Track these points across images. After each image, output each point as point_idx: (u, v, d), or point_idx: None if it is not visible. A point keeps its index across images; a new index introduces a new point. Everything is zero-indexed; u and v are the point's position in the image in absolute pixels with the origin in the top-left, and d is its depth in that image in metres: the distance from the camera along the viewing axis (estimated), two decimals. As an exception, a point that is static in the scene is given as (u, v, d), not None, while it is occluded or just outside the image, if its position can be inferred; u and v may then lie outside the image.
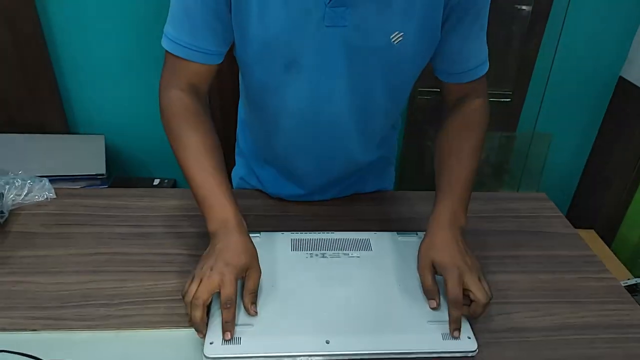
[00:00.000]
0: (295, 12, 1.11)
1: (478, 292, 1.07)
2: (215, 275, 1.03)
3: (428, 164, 2.94)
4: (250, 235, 1.14)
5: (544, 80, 2.79)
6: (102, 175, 2.57)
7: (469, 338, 1.05)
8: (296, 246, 1.28)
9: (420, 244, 1.20)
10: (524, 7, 2.61)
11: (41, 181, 1.44)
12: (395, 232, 1.35)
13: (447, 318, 1.08)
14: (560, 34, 2.65)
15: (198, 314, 1.01)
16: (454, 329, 1.06)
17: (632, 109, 2.78)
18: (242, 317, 1.06)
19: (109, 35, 2.59)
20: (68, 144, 2.71)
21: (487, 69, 1.31)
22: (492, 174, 3.13)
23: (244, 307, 1.07)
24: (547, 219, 1.51)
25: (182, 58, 1.18)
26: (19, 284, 1.17)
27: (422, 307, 1.12)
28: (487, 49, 1.29)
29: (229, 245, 1.09)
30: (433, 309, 1.11)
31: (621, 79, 2.85)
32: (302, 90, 1.23)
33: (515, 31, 2.69)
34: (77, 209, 1.41)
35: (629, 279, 2.54)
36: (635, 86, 2.74)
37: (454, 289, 1.07)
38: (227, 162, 1.25)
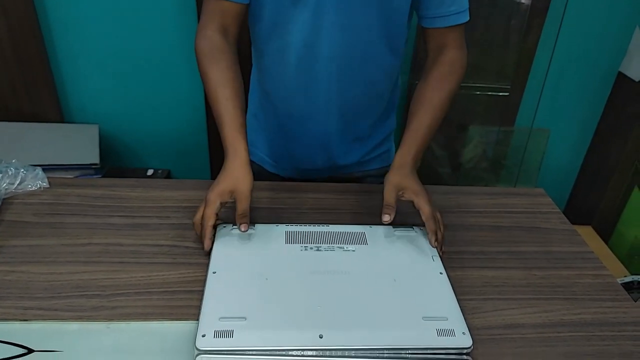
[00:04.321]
0: None
1: (428, 210, 1.27)
2: (207, 195, 1.24)
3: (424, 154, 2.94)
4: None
5: (543, 75, 2.78)
6: (96, 165, 2.56)
7: (464, 334, 1.04)
8: (291, 239, 1.28)
9: (388, 173, 1.34)
10: (522, 1, 2.60)
11: (34, 170, 1.43)
12: (391, 226, 1.33)
13: (442, 315, 1.08)
14: (559, 28, 2.64)
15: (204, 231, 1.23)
16: (435, 240, 1.27)
17: (630, 105, 2.78)
18: (234, 310, 1.05)
19: (104, 25, 2.58)
20: (62, 133, 2.69)
21: (467, 19, 1.40)
22: (489, 169, 3.13)
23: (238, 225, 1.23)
24: (544, 214, 1.51)
25: None
26: (11, 273, 1.16)
27: (417, 302, 1.11)
28: (467, 2, 1.40)
29: (224, 170, 1.27)
30: (386, 222, 1.26)
31: (620, 74, 2.85)
32: (306, 23, 1.33)
33: (514, 25, 2.68)
34: (71, 198, 1.40)
35: (625, 276, 2.54)
36: (634, 82, 2.74)
37: (428, 206, 1.27)
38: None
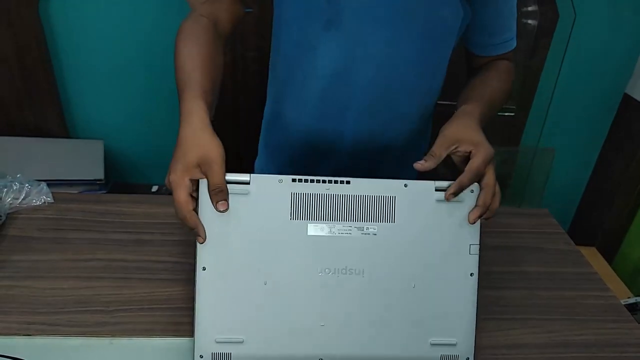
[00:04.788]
0: None
1: (492, 179, 1.05)
2: (170, 177, 0.95)
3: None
4: (238, 185, 0.98)
5: (549, 95, 2.78)
6: (101, 180, 2.56)
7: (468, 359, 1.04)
8: (297, 208, 0.99)
9: (444, 124, 1.10)
10: (529, 22, 2.60)
11: (39, 185, 1.44)
12: (433, 183, 1.02)
13: (453, 337, 1.03)
14: (566, 49, 2.65)
15: (187, 223, 0.96)
16: (451, 193, 1.00)
17: (636, 126, 2.78)
18: (231, 328, 1.00)
19: (109, 40, 2.59)
20: (67, 148, 2.70)
21: (515, 45, 1.35)
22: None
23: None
24: (549, 235, 1.51)
25: None
26: (14, 288, 1.16)
27: (430, 321, 1.03)
28: (516, 27, 1.33)
29: (180, 142, 0.98)
30: (418, 169, 1.03)
31: (626, 95, 2.85)
32: (340, 51, 1.23)
33: (521, 45, 2.68)
34: (75, 214, 1.40)
35: (629, 297, 2.53)
36: (640, 103, 2.74)
37: (481, 164, 1.03)
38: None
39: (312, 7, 1.18)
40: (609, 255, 2.94)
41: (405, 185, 1.01)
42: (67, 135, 2.79)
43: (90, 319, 1.10)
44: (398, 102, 1.31)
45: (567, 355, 1.12)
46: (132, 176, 2.97)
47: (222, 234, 0.98)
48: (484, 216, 1.03)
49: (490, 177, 1.04)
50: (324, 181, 0.99)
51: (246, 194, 0.98)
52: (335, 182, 0.99)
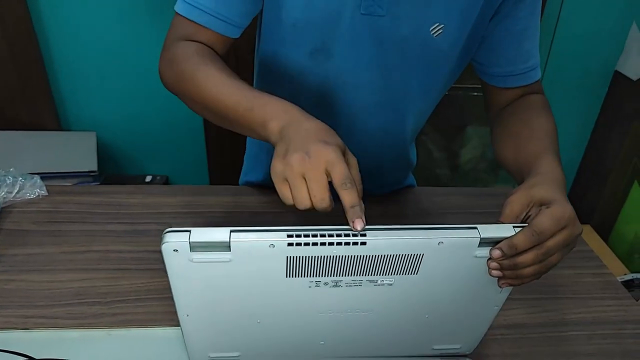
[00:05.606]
0: None
1: (555, 240, 0.81)
2: (320, 154, 0.77)
3: (424, 161, 2.94)
4: (215, 251, 0.75)
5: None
6: (94, 172, 2.56)
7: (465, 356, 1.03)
8: (295, 270, 0.78)
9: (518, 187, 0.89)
10: (519, 1, 2.60)
11: (32, 178, 1.43)
12: (477, 238, 0.77)
13: (455, 347, 0.98)
14: (556, 27, 2.64)
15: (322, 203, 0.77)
16: (498, 257, 0.77)
17: (628, 103, 2.78)
18: (224, 347, 0.92)
19: (101, 32, 2.58)
20: (60, 140, 2.69)
21: (540, 76, 1.22)
22: (488, 170, 3.13)
23: (348, 220, 0.74)
24: (544, 214, 1.50)
25: (198, 24, 1.06)
26: (11, 282, 1.15)
27: (435, 336, 0.95)
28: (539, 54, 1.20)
29: (310, 128, 0.83)
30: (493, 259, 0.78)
31: (617, 73, 2.85)
32: (326, 78, 1.17)
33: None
34: (69, 206, 1.40)
35: (625, 274, 2.54)
36: (631, 80, 2.74)
37: (549, 223, 0.79)
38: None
39: (300, 33, 1.12)
40: (605, 233, 2.96)
41: (440, 244, 0.76)
42: (60, 128, 2.78)
43: (88, 311, 1.09)
44: (388, 123, 1.28)
45: (565, 333, 1.13)
46: (126, 167, 2.97)
47: (200, 299, 0.84)
48: (509, 280, 0.83)
49: (554, 239, 0.81)
50: (330, 243, 0.74)
51: (227, 262, 0.76)
52: (347, 243, 0.74)
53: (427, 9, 1.08)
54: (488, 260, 0.79)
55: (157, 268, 1.21)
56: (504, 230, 0.78)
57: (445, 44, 1.13)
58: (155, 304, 1.12)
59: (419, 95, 1.24)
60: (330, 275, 0.79)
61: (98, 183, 2.56)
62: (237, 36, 1.12)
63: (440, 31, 1.10)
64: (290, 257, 0.75)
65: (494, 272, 0.80)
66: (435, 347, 0.98)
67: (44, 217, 1.35)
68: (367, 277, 0.80)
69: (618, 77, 2.85)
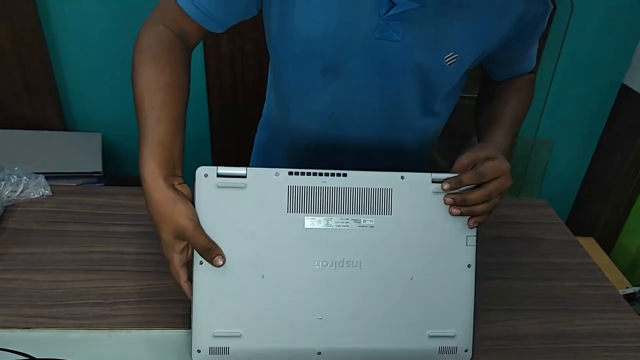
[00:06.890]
0: (346, 15, 1.06)
1: (493, 185, 1.01)
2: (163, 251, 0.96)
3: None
4: (234, 177, 0.97)
5: (547, 86, 2.78)
6: (99, 173, 2.56)
7: (466, 351, 1.03)
8: (294, 202, 0.97)
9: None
10: (526, 13, 2.60)
11: (37, 178, 1.43)
12: (429, 175, 1.01)
13: (451, 329, 1.02)
14: (563, 40, 2.64)
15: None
16: (448, 188, 0.98)
17: (634, 116, 2.78)
18: (228, 322, 0.99)
19: (108, 33, 2.59)
20: (65, 141, 2.70)
21: (535, 63, 1.32)
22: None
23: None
24: (547, 226, 1.51)
25: (185, 13, 1.08)
26: (13, 281, 1.16)
27: (427, 313, 1.03)
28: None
29: (149, 211, 0.97)
30: (445, 189, 0.99)
31: (623, 86, 2.85)
32: (335, 97, 1.19)
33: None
34: (73, 206, 1.40)
35: (627, 288, 2.54)
36: (638, 94, 2.74)
37: (488, 170, 1.00)
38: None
39: (312, 51, 1.13)
40: (607, 245, 2.95)
41: (402, 178, 1.00)
42: (65, 128, 2.79)
43: (89, 312, 1.10)
44: (399, 140, 1.30)
45: (566, 345, 1.12)
46: (131, 168, 2.97)
47: (218, 227, 0.96)
48: (482, 218, 1.03)
49: (493, 183, 1.01)
50: (320, 174, 0.98)
51: (242, 187, 0.97)
52: (332, 174, 0.98)
53: (443, 38, 1.09)
54: (445, 197, 0.99)
55: (160, 270, 1.21)
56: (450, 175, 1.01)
57: (457, 71, 1.15)
58: (157, 306, 1.12)
59: (421, 117, 1.26)
60: (322, 213, 0.99)
61: (102, 184, 2.57)
62: (221, 32, 1.15)
63: (454, 60, 1.11)
64: (290, 186, 0.97)
65: (452, 210, 0.99)
66: (431, 332, 1.02)
67: (48, 216, 1.36)
68: (352, 216, 0.99)
69: (625, 90, 2.85)
